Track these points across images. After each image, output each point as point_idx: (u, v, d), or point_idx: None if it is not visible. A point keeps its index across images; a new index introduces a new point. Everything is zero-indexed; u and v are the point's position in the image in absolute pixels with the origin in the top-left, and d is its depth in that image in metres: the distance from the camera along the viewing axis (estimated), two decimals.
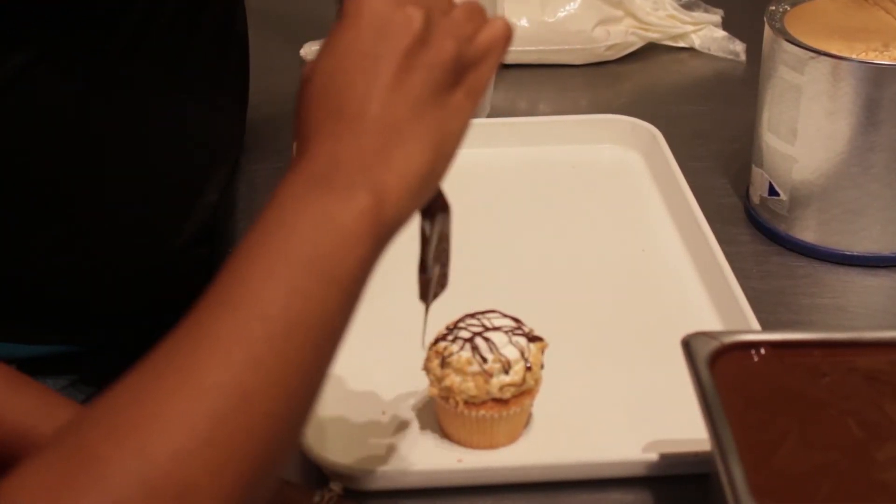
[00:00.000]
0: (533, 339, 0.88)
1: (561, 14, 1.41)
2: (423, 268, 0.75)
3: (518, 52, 1.36)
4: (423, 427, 0.91)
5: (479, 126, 1.22)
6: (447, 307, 0.91)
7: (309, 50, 1.38)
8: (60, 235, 1.08)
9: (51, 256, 1.08)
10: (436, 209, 0.74)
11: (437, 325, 0.89)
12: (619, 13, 1.40)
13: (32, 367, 1.08)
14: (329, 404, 0.91)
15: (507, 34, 0.70)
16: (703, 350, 0.81)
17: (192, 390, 0.57)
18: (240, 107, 1.23)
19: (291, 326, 0.60)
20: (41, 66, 1.01)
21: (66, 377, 1.12)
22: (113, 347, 1.16)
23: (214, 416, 0.56)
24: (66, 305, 1.12)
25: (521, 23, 1.41)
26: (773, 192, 1.11)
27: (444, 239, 0.76)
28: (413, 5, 0.66)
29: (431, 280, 0.76)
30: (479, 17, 0.69)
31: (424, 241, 0.75)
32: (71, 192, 1.06)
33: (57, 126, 1.04)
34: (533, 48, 1.41)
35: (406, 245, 1.15)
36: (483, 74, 0.69)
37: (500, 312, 0.89)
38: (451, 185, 1.17)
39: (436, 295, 0.78)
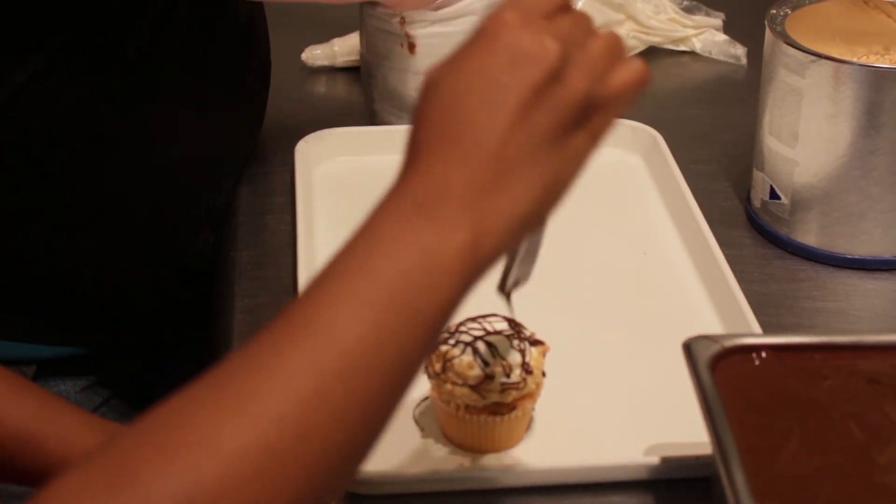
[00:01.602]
0: (534, 342, 0.88)
1: None
2: (506, 272, 0.74)
3: None
4: (425, 430, 0.91)
5: None
6: None
7: (311, 54, 1.38)
8: (75, 239, 1.09)
9: (67, 259, 1.09)
10: None
11: None
12: (621, 17, 1.40)
13: (53, 368, 1.10)
14: None
15: (644, 78, 0.67)
16: (705, 353, 0.81)
17: (250, 418, 0.55)
18: (258, 114, 1.23)
19: (366, 361, 0.58)
20: (55, 72, 1.02)
21: (85, 378, 1.13)
22: (129, 349, 1.18)
23: (270, 448, 0.54)
24: (84, 307, 1.13)
25: None
26: (774, 195, 1.11)
27: (535, 246, 0.75)
28: (551, 36, 0.63)
29: (508, 280, 0.74)
30: (617, 53, 0.66)
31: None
32: (86, 197, 1.07)
33: (71, 131, 1.05)
34: None
35: None
36: (609, 119, 0.67)
37: (501, 316, 0.89)
38: None
39: (516, 285, 0.76)
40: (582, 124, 0.64)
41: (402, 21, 1.17)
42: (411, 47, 1.19)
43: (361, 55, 1.28)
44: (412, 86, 1.21)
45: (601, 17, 1.37)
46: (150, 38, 1.05)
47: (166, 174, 1.12)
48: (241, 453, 0.53)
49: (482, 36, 0.65)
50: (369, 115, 1.27)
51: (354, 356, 0.57)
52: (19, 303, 1.09)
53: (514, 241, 0.65)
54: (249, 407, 0.55)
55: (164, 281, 1.15)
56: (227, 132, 1.17)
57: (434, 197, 0.61)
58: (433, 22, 1.18)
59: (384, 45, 1.21)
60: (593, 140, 0.66)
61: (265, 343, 0.58)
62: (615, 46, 0.66)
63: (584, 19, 0.66)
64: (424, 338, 0.60)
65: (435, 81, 0.64)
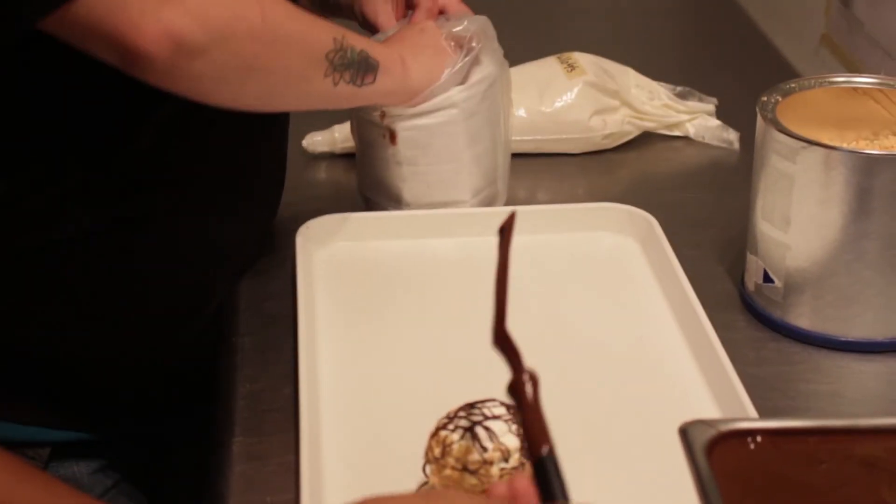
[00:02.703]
0: None
1: (558, 104, 1.41)
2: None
3: (516, 141, 1.37)
4: None
5: (481, 215, 1.24)
6: (448, 394, 0.92)
7: (311, 140, 1.40)
8: (89, 333, 1.10)
9: (80, 352, 1.10)
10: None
11: (439, 412, 0.90)
12: (616, 103, 1.41)
13: (66, 451, 1.11)
14: (327, 495, 0.92)
15: None
16: (701, 438, 0.81)
17: None
18: (268, 217, 1.24)
19: None
20: (70, 198, 1.04)
21: (97, 461, 1.13)
22: (138, 435, 1.19)
23: None
24: (93, 396, 1.13)
25: (520, 113, 1.42)
26: (767, 278, 1.11)
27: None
28: None
29: None
30: None
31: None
32: (104, 295, 1.09)
33: (90, 241, 1.07)
34: (530, 137, 1.42)
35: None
36: None
37: (498, 401, 0.89)
38: (442, 274, 1.19)
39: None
40: None
41: (382, 115, 1.19)
42: (392, 138, 1.21)
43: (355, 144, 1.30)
44: (395, 174, 1.22)
45: (597, 103, 1.38)
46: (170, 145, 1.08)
47: (186, 271, 1.13)
48: None
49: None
50: (363, 201, 1.28)
51: None
52: (35, 391, 1.09)
53: None
54: None
55: (173, 369, 1.16)
56: (237, 232, 1.18)
57: None
58: (412, 116, 1.19)
59: (369, 135, 1.23)
60: None
61: None
62: None
63: None
64: None
65: None
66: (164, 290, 1.12)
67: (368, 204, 1.28)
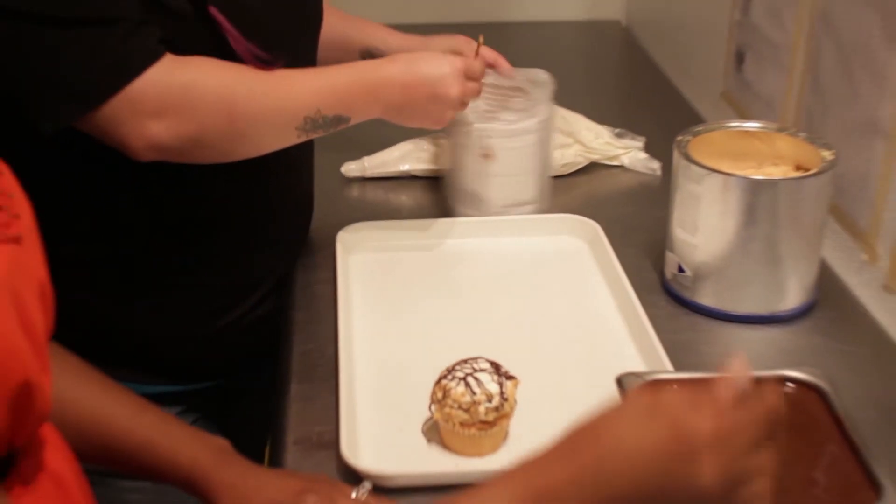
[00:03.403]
0: (509, 377, 0.89)
1: None
2: None
3: None
4: (430, 441, 0.91)
5: (470, 223, 1.24)
6: (448, 354, 0.92)
7: (347, 168, 1.37)
8: (176, 319, 1.08)
9: (170, 331, 1.08)
10: None
11: (441, 367, 0.90)
12: (570, 140, 1.39)
13: (155, 399, 1.09)
14: (359, 426, 0.92)
15: None
16: (632, 385, 0.82)
17: None
18: (308, 222, 1.21)
19: None
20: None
21: (177, 407, 1.11)
22: (208, 387, 1.16)
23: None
24: (172, 358, 1.11)
25: None
26: (681, 270, 1.11)
27: None
28: (723, 477, 0.57)
29: None
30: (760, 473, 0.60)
31: None
32: (187, 283, 1.07)
33: (168, 238, 1.05)
34: None
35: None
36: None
37: (484, 358, 0.89)
38: (445, 267, 1.19)
39: None
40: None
41: (483, 141, 1.19)
42: (490, 157, 1.21)
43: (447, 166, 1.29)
44: (486, 184, 1.23)
45: (557, 141, 1.38)
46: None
47: (253, 260, 1.11)
48: None
49: (671, 428, 0.58)
50: (448, 210, 1.28)
51: None
52: (132, 359, 1.07)
53: None
54: None
55: (242, 337, 1.14)
56: (289, 236, 1.16)
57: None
58: (508, 139, 1.20)
59: (466, 158, 1.22)
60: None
61: None
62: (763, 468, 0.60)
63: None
64: None
65: (599, 432, 0.59)
66: (238, 280, 1.11)
67: (453, 212, 1.27)
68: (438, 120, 1.06)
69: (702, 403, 0.58)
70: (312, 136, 0.99)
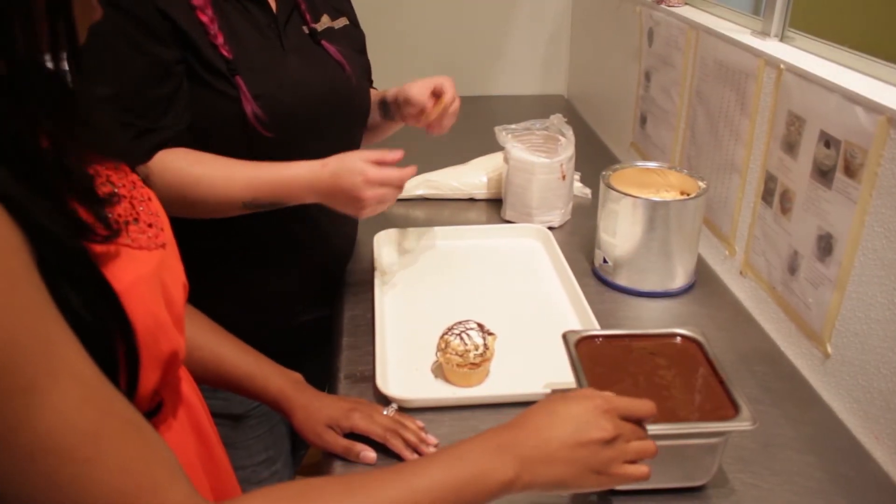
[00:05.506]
0: (490, 333, 0.88)
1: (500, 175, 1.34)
2: None
3: (490, 191, 1.34)
4: (436, 377, 0.90)
5: (462, 230, 1.21)
6: (447, 318, 0.91)
7: None
8: (261, 314, 0.99)
9: (258, 321, 0.98)
10: None
11: (443, 327, 0.89)
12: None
13: None
14: (388, 366, 0.90)
15: (643, 475, 0.60)
16: (572, 339, 0.81)
17: None
18: (353, 239, 1.13)
19: None
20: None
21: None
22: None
23: None
24: (259, 343, 0.96)
25: (482, 178, 1.35)
26: (605, 261, 1.10)
27: None
28: (616, 428, 0.59)
29: None
30: (642, 454, 0.60)
31: None
32: (262, 294, 0.99)
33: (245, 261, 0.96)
34: (494, 189, 1.36)
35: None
36: (613, 480, 0.58)
37: (473, 321, 0.89)
38: (446, 259, 1.16)
39: None
40: (601, 471, 0.58)
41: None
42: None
43: (503, 182, 1.26)
44: (533, 199, 1.20)
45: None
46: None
47: (322, 269, 1.04)
48: None
49: (587, 400, 0.59)
50: (503, 217, 1.25)
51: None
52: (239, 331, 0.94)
53: (536, 489, 0.57)
54: None
55: (289, 337, 1.03)
56: (340, 247, 1.10)
57: (512, 448, 0.57)
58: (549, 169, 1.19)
59: (521, 179, 1.19)
60: (601, 481, 0.58)
61: (372, 476, 0.51)
62: (643, 451, 0.60)
63: (637, 431, 0.61)
64: None
65: (552, 406, 0.59)
66: (304, 284, 1.02)
67: (507, 219, 1.25)
68: (357, 215, 0.89)
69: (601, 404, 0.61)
70: (260, 210, 0.87)
